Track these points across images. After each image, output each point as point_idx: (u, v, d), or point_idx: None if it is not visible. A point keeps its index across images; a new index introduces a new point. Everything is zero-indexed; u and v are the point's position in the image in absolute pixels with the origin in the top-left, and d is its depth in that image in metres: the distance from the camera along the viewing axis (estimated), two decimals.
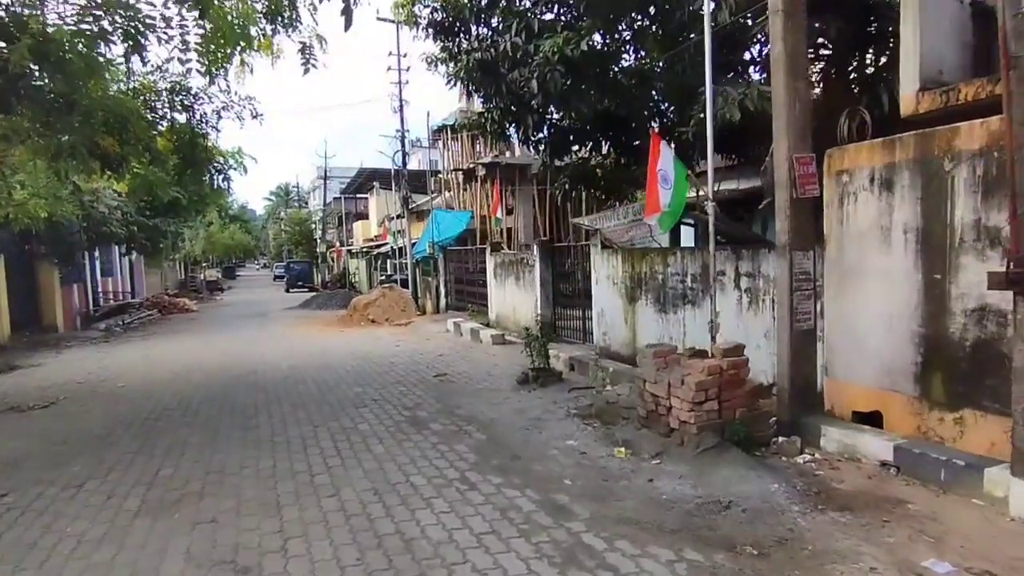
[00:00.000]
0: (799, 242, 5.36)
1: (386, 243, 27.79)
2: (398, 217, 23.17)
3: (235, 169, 10.04)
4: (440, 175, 27.28)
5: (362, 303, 17.46)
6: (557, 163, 11.89)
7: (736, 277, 7.29)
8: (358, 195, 43.73)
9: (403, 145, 19.51)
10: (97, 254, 20.65)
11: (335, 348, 12.68)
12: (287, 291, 38.55)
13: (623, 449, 5.28)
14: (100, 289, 21.54)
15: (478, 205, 22.12)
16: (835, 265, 5.70)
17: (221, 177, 9.82)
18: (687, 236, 11.50)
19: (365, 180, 39.92)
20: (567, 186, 11.99)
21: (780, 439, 5.28)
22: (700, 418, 4.93)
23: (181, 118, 9.31)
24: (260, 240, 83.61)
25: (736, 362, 5.07)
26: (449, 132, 23.58)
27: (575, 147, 11.12)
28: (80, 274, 18.52)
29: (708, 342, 6.82)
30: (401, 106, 19.31)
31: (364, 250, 39.58)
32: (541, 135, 10.51)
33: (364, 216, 43.43)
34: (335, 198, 47.09)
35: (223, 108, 9.49)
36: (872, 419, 5.43)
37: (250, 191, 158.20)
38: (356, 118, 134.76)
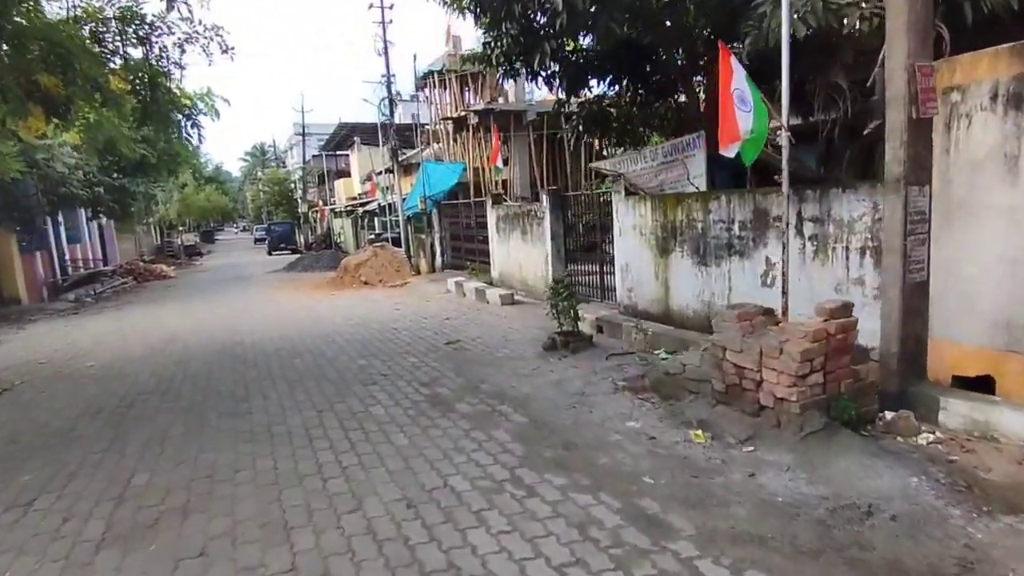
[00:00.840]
0: (916, 174, 4.33)
1: (373, 200, 26.35)
2: (387, 171, 21.73)
3: (206, 114, 8.70)
4: (427, 126, 25.73)
5: (353, 264, 16.28)
6: (568, 103, 10.66)
7: (799, 223, 6.28)
8: (339, 152, 41.80)
9: (389, 91, 17.96)
10: (61, 219, 19.11)
11: (328, 313, 11.59)
12: (269, 254, 37.05)
13: (701, 432, 4.35)
14: (68, 257, 20.04)
15: (470, 156, 20.74)
16: (939, 202, 4.69)
17: (190, 124, 8.48)
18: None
19: (346, 136, 38.01)
20: (580, 128, 10.79)
21: (887, 414, 4.38)
22: (803, 394, 3.98)
23: (136, 53, 7.92)
24: (238, 202, 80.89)
25: (845, 325, 4.10)
26: (436, 79, 21.94)
27: (593, 82, 9.89)
28: (43, 241, 17.02)
29: (758, 298, 5.90)
30: (386, 48, 17.68)
31: (348, 209, 37.97)
32: (555, 68, 9.24)
33: (346, 174, 41.61)
34: (314, 156, 45.03)
35: (186, 40, 8.09)
36: (979, 385, 4.56)
37: (224, 153, 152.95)
38: (334, 73, 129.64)
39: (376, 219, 23.95)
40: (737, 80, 4.81)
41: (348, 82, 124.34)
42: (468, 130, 20.47)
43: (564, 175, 21.38)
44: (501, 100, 20.19)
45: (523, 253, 12.37)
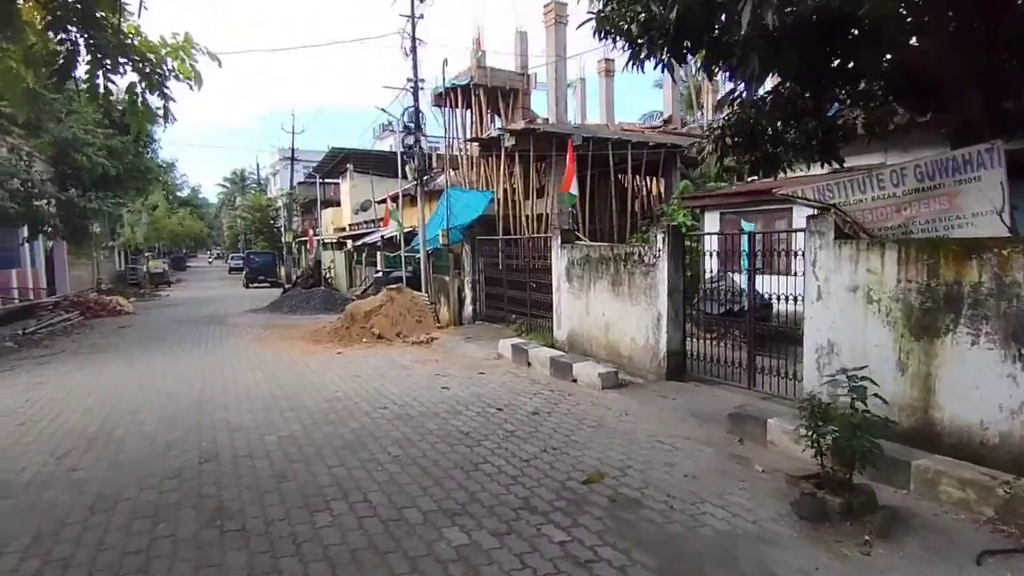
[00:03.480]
0: None
1: (374, 232, 22.90)
2: (397, 198, 18.35)
3: (181, 79, 5.29)
4: (437, 150, 22.54)
5: (362, 311, 12.72)
6: (754, 93, 7.47)
7: None
8: (328, 180, 38.44)
9: (416, 99, 14.71)
10: None
11: (344, 390, 7.97)
12: (246, 286, 33.11)
13: None
14: None
15: (500, 184, 17.53)
16: None
17: (148, 87, 5.05)
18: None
19: (338, 163, 34.73)
20: (723, 146, 7.59)
21: None
22: None
23: None
24: (213, 229, 76.56)
25: None
26: (458, 96, 18.88)
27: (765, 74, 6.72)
28: None
29: None
30: (414, 46, 14.47)
31: (336, 241, 34.37)
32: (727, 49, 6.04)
33: (335, 203, 38.18)
34: (300, 183, 41.55)
35: None
36: None
37: (202, 177, 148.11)
38: (324, 96, 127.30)
39: (379, 253, 20.43)
40: None
41: (338, 107, 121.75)
42: (500, 154, 17.31)
43: (608, 213, 18.34)
44: (541, 120, 17.15)
45: (613, 311, 9.02)
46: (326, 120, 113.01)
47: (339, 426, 6.27)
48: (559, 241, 10.35)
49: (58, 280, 22.35)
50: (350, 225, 34.64)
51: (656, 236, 8.23)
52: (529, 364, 9.25)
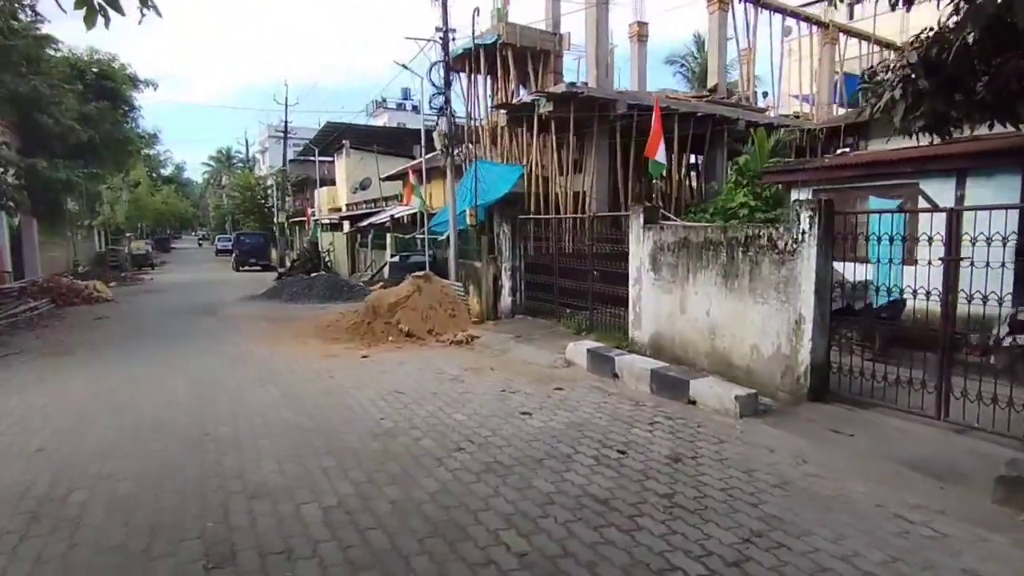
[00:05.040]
0: None
1: (382, 211, 20.77)
2: (420, 172, 16.16)
3: None
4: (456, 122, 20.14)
5: (385, 303, 10.68)
6: None
7: None
8: (322, 158, 35.98)
9: (446, 51, 12.51)
10: None
11: (393, 418, 5.95)
12: (236, 269, 30.83)
13: None
14: None
15: (534, 157, 15.43)
16: None
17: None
18: None
19: (335, 139, 32.34)
20: (914, 92, 5.62)
21: None
22: None
23: None
24: (199, 209, 73.49)
25: None
26: (480, 59, 16.66)
27: None
28: None
29: None
30: None
31: (332, 222, 32.11)
32: None
33: (329, 182, 35.78)
34: (291, 161, 38.98)
35: None
36: None
37: (185, 155, 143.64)
38: (313, 74, 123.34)
39: (388, 235, 18.30)
40: None
41: (331, 83, 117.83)
42: (531, 125, 15.19)
43: (643, 193, 16.33)
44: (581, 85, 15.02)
45: (723, 309, 7.09)
46: (318, 97, 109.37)
47: (408, 486, 4.29)
48: (641, 221, 8.37)
49: (27, 262, 19.96)
50: (347, 205, 32.41)
51: (800, 214, 6.27)
52: (616, 376, 7.31)
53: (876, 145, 11.36)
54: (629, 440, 5.21)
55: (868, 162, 9.18)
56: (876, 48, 21.43)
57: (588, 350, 7.89)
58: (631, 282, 8.59)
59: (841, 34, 21.11)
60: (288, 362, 8.64)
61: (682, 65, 34.88)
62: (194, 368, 8.31)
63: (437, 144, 12.85)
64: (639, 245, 8.40)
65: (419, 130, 36.56)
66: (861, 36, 21.28)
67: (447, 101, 11.93)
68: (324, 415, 6.02)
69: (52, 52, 16.40)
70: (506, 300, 11.88)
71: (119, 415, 6.09)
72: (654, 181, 15.58)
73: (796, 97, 22.09)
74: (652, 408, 6.16)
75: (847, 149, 11.47)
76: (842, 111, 21.63)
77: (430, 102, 12.32)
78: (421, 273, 11.65)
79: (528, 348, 9.02)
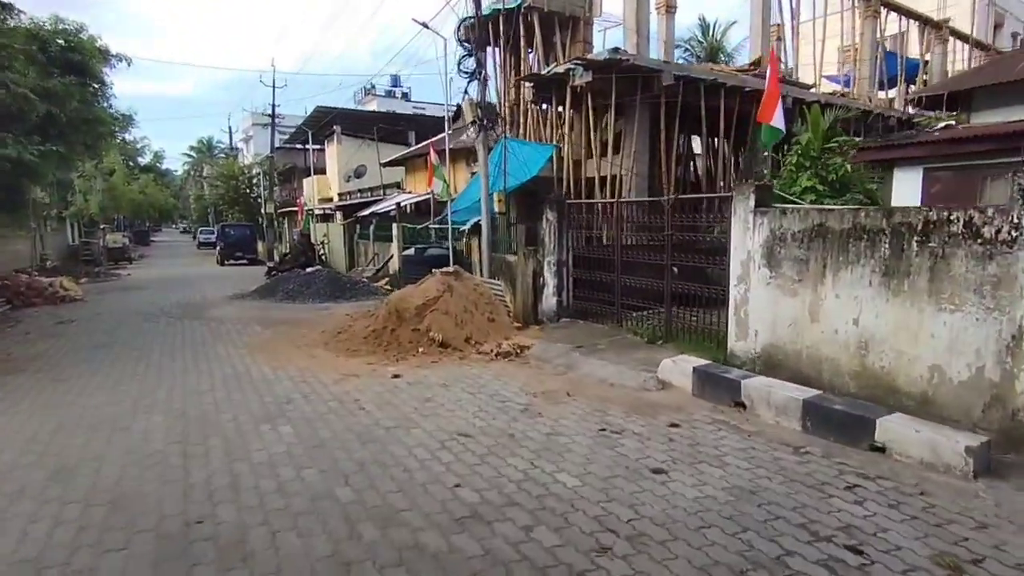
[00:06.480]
0: None
1: (383, 199, 18.77)
2: (442, 152, 14.20)
3: None
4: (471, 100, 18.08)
5: (411, 306, 8.80)
6: None
7: None
8: (310, 146, 33.76)
9: (478, 7, 10.54)
10: None
11: (473, 484, 4.07)
12: (221, 263, 28.59)
13: None
14: None
15: (566, 136, 13.53)
16: None
17: None
18: None
19: (325, 125, 30.17)
20: None
21: None
22: None
23: None
24: (180, 200, 70.53)
25: None
26: (500, 28, 14.71)
27: None
28: None
29: None
30: None
31: (324, 212, 29.99)
32: None
33: (319, 170, 33.59)
34: (277, 148, 36.65)
35: None
36: None
37: (164, 146, 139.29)
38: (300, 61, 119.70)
39: (395, 226, 16.33)
40: None
41: (317, 67, 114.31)
42: (564, 98, 13.27)
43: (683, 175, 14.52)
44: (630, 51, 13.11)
45: (882, 317, 5.32)
46: (302, 86, 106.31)
47: None
48: (751, 203, 6.56)
49: None
50: (340, 194, 30.31)
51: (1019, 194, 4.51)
52: (741, 405, 5.52)
53: (983, 118, 9.71)
54: (846, 525, 3.41)
55: (982, 135, 7.43)
56: (915, 23, 19.96)
57: (695, 369, 6.08)
58: (733, 280, 6.79)
59: (882, 7, 19.49)
60: (298, 385, 6.72)
61: (686, 50, 33.30)
62: (176, 396, 6.36)
63: (467, 115, 10.90)
64: (747, 234, 6.59)
65: (413, 116, 34.33)
66: (901, 11, 19.73)
67: (479, 64, 9.98)
68: (368, 478, 4.14)
69: (12, 21, 14.26)
70: (550, 300, 10.02)
71: (64, 482, 4.15)
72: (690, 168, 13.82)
73: (827, 78, 20.45)
74: (826, 460, 4.38)
75: (952, 123, 9.78)
76: (881, 94, 20.14)
77: (459, 65, 10.35)
78: (450, 269, 9.74)
79: (599, 363, 7.19)
